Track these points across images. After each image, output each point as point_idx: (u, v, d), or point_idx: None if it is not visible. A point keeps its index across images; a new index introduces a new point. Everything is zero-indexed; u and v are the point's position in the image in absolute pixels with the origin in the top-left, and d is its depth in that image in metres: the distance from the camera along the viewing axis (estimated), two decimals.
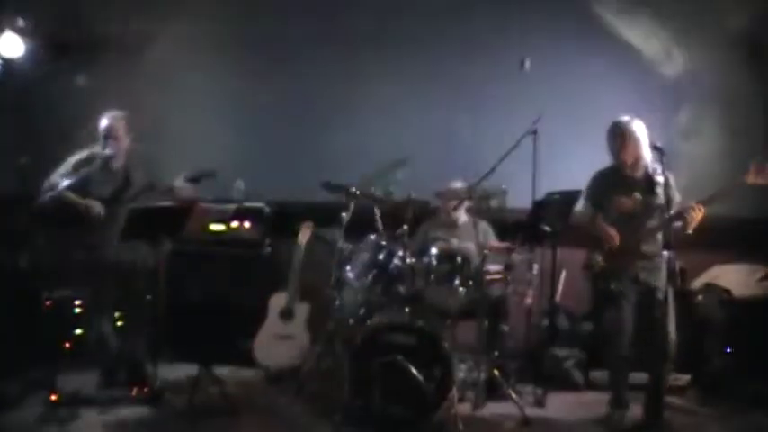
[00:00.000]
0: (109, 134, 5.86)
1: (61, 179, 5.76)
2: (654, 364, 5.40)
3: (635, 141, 5.39)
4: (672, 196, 5.28)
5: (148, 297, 5.83)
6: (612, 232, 5.42)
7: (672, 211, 5.21)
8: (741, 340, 6.10)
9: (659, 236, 5.36)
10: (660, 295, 5.27)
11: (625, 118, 5.47)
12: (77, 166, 5.82)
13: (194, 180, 5.89)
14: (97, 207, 5.72)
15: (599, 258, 5.51)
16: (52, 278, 6.35)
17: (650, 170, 5.37)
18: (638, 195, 5.41)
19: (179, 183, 5.86)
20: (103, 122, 5.88)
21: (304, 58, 7.32)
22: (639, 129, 5.42)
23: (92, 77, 7.34)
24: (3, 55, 6.41)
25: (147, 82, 7.37)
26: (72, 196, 5.73)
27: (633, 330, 5.43)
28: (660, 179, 5.24)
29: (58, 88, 7.23)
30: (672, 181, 5.35)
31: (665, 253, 5.23)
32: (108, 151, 5.85)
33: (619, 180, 5.49)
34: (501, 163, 5.78)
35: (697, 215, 5.12)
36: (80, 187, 5.77)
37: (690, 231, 5.16)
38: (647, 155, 5.39)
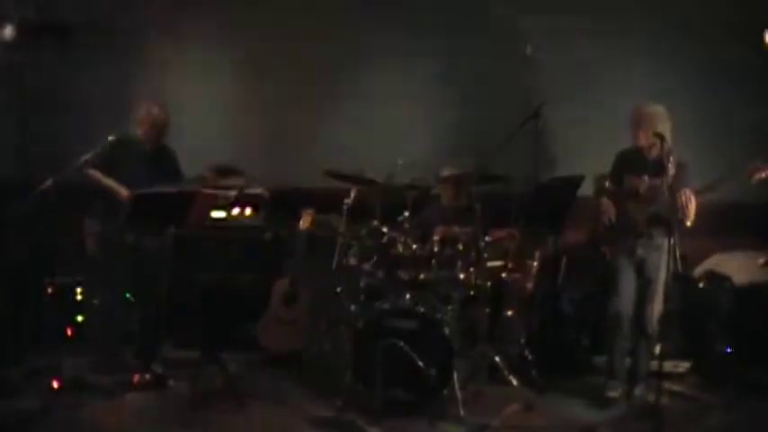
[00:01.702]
0: (145, 120, 5.87)
1: (89, 157, 5.74)
2: (635, 341, 5.62)
3: (650, 125, 5.49)
4: (681, 182, 5.35)
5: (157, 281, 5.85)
6: (609, 208, 5.61)
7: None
8: (742, 327, 6.11)
9: (664, 218, 5.44)
10: (652, 274, 5.48)
11: (644, 102, 5.62)
12: (104, 148, 5.80)
13: (221, 172, 5.89)
14: (126, 194, 5.71)
15: (601, 231, 5.70)
16: (60, 264, 6.38)
17: (665, 155, 5.44)
18: (646, 177, 5.54)
19: (208, 178, 5.86)
20: (141, 109, 5.88)
21: (304, 44, 7.31)
22: (657, 113, 5.53)
23: (92, 63, 7.32)
24: (1, 40, 6.40)
25: (148, 68, 7.36)
26: (98, 175, 5.72)
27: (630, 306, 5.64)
28: (671, 164, 5.33)
29: (59, 74, 7.21)
30: (688, 168, 5.47)
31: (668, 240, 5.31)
32: (141, 135, 5.86)
33: (634, 161, 5.65)
34: (503, 148, 5.79)
35: (688, 202, 5.22)
36: (106, 170, 5.76)
37: (689, 223, 5.25)
38: (666, 138, 5.45)
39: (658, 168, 5.44)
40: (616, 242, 5.67)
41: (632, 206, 5.57)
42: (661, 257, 5.52)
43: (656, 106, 5.57)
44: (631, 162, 5.66)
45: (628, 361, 5.67)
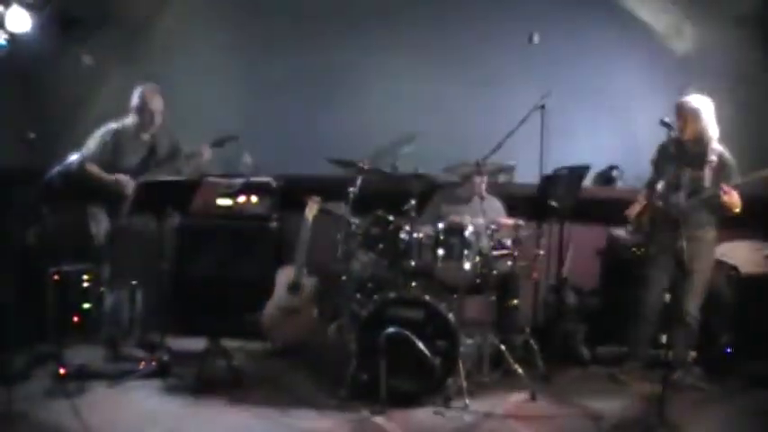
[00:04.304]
0: (141, 106, 5.90)
1: (89, 152, 5.82)
2: (673, 330, 5.67)
3: (692, 119, 5.60)
4: (723, 178, 5.46)
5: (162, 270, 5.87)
6: (634, 209, 5.88)
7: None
8: (748, 317, 6.10)
9: (704, 211, 5.62)
10: (693, 265, 5.50)
11: (688, 96, 5.67)
12: (105, 139, 5.85)
13: (219, 145, 5.91)
14: (129, 184, 5.74)
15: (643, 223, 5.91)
16: (65, 252, 6.38)
17: (710, 148, 5.58)
18: (687, 170, 5.63)
19: (204, 149, 5.89)
20: (136, 94, 5.92)
21: (312, 31, 7.30)
22: (699, 106, 5.60)
23: (99, 52, 7.32)
24: (9, 29, 6.38)
25: (154, 57, 7.36)
26: (96, 170, 5.77)
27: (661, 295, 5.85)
28: (714, 158, 5.50)
29: (66, 63, 7.22)
30: (731, 163, 5.57)
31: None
32: (138, 122, 5.92)
33: (677, 152, 5.70)
34: (509, 138, 5.78)
35: (729, 199, 5.36)
36: (108, 159, 5.80)
37: (737, 210, 5.43)
38: (711, 132, 5.60)
39: (701, 161, 5.56)
40: (656, 234, 5.78)
41: (675, 197, 5.63)
42: (702, 249, 5.63)
43: (698, 98, 5.63)
44: (674, 153, 5.70)
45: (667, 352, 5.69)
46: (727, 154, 5.58)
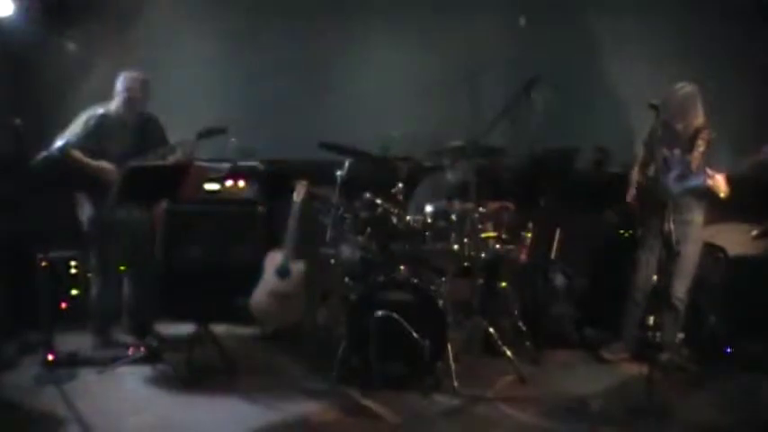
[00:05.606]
0: (125, 92, 5.84)
1: (73, 137, 5.75)
2: (659, 309, 5.66)
3: (682, 105, 5.68)
4: (710, 155, 5.54)
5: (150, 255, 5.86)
6: (630, 195, 5.91)
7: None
8: (736, 299, 6.12)
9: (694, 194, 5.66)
10: (681, 248, 5.45)
11: (679, 84, 5.71)
12: (89, 124, 5.80)
13: (205, 136, 5.83)
14: (111, 171, 5.70)
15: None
16: (53, 238, 6.35)
17: (698, 132, 5.62)
18: (676, 151, 5.63)
19: (189, 139, 5.84)
20: (120, 81, 5.86)
21: (300, 15, 7.26)
22: (689, 93, 5.69)
23: (85, 37, 7.27)
24: None
25: (142, 42, 7.31)
26: (80, 156, 5.72)
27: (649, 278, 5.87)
28: (701, 142, 5.54)
29: (52, 48, 7.16)
30: (714, 137, 5.62)
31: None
32: (122, 108, 5.85)
33: (667, 134, 5.69)
34: (498, 120, 5.76)
35: (714, 183, 5.44)
36: (93, 145, 5.76)
37: (722, 195, 5.50)
38: (700, 117, 5.67)
39: (689, 145, 5.59)
40: (645, 217, 5.82)
41: (666, 179, 5.63)
42: (690, 232, 5.68)
43: (688, 85, 5.69)
44: (664, 135, 5.68)
45: (654, 333, 5.70)
46: (714, 136, 5.59)
